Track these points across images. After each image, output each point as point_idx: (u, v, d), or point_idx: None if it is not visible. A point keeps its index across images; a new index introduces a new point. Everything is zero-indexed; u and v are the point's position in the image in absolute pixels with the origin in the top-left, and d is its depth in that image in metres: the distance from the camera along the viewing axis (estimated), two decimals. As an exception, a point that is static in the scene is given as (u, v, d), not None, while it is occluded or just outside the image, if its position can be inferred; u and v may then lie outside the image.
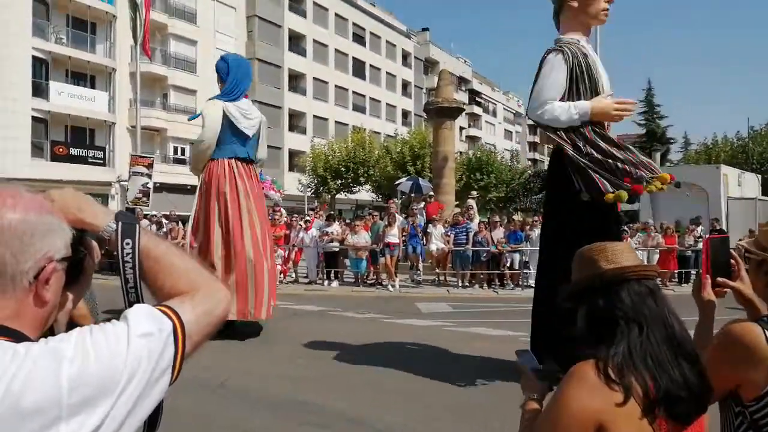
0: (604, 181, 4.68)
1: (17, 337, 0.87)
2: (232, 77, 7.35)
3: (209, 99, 7.47)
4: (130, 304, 0.99)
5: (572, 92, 4.99)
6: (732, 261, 1.72)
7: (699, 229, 14.42)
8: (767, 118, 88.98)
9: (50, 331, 0.97)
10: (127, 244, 1.02)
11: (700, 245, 14.00)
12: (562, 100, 4.97)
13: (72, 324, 1.03)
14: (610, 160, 4.78)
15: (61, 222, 0.97)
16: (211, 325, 1.02)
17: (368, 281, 13.70)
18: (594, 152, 4.83)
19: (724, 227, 15.14)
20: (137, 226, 1.04)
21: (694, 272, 13.97)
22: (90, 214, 1.04)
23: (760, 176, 22.50)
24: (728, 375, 1.47)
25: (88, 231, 1.03)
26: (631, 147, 5.13)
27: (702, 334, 1.68)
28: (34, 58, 27.30)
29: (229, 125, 7.16)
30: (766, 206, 17.85)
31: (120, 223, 1.03)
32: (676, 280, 14.00)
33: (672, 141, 46.91)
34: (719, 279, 1.71)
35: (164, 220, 15.83)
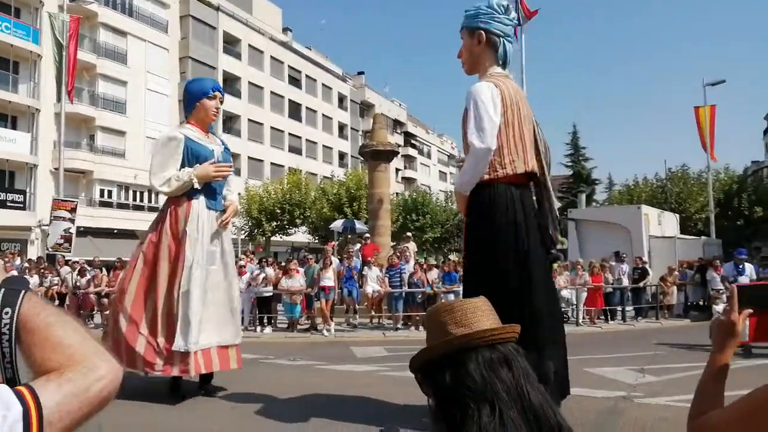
0: None
1: None
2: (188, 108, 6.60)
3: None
4: (6, 381, 0.89)
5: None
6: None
7: (624, 266, 14.97)
8: (683, 160, 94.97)
9: None
10: (6, 313, 0.92)
11: (625, 282, 14.59)
12: None
13: None
14: None
15: None
16: (84, 406, 0.90)
17: (302, 326, 13.43)
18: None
19: (647, 265, 15.76)
20: (22, 293, 0.94)
21: (620, 309, 14.47)
22: None
23: (677, 215, 23.73)
24: None
25: None
26: None
27: (712, 391, 1.40)
28: (-51, 97, 26.03)
29: None
30: (684, 244, 18.79)
31: (2, 290, 0.94)
32: (603, 318, 14.40)
33: (597, 182, 49.05)
34: None
35: (87, 267, 15.07)
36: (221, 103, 6.47)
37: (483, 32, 4.88)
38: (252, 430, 5.10)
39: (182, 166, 5.96)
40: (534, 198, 4.98)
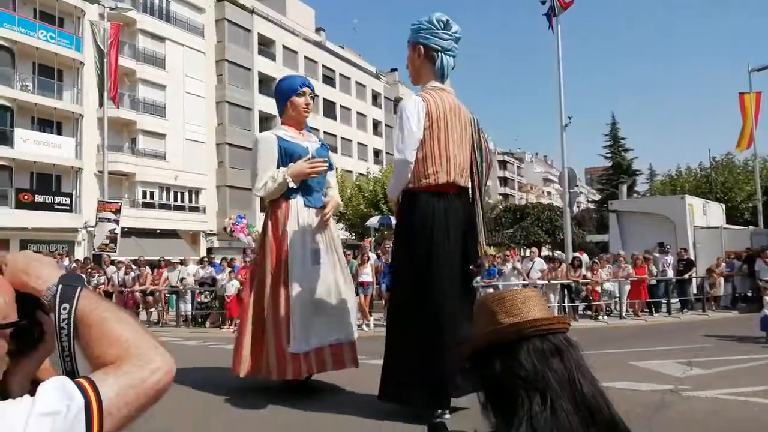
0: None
1: None
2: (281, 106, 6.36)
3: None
4: (66, 374, 0.93)
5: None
6: None
7: (668, 257, 14.61)
8: (727, 148, 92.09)
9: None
10: (64, 309, 0.96)
11: (670, 274, 14.24)
12: None
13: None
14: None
15: None
16: (141, 398, 0.92)
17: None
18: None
19: (692, 256, 15.36)
20: (78, 288, 0.98)
21: (665, 301, 14.14)
22: (33, 278, 0.99)
23: (723, 205, 23.04)
24: None
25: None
26: None
27: None
28: (-1, 105, 27.01)
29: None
30: (730, 234, 18.24)
31: (59, 287, 0.98)
32: (647, 310, 14.09)
33: (638, 173, 48.04)
34: None
35: (133, 266, 15.49)
36: (312, 99, 6.21)
37: (422, 47, 5.20)
38: (293, 423, 5.16)
39: (278, 167, 5.80)
40: (464, 209, 5.18)
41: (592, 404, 1.12)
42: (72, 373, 0.94)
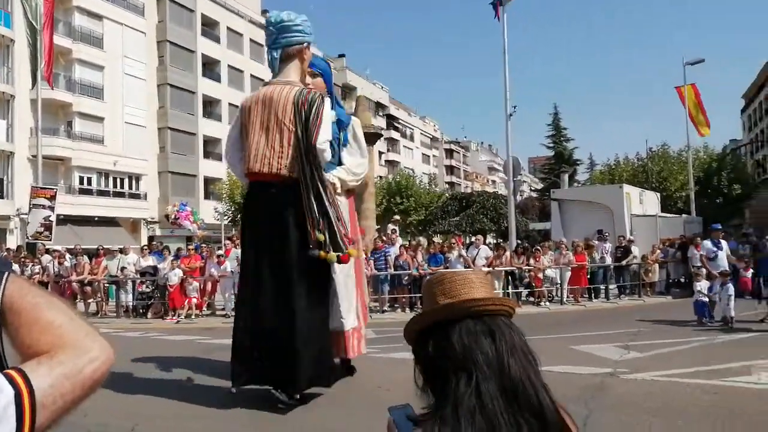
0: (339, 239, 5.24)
1: None
2: (330, 86, 6.31)
3: (350, 115, 6.20)
4: None
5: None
6: None
7: (607, 245, 15.11)
8: (663, 139, 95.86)
9: None
10: None
11: (608, 261, 14.73)
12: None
13: None
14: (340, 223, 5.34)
15: None
16: (77, 388, 0.87)
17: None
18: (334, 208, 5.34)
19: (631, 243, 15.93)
20: (6, 273, 0.91)
21: (603, 287, 14.64)
22: None
23: (658, 194, 23.96)
24: None
25: None
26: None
27: None
28: None
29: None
30: (665, 222, 19.01)
31: None
32: (587, 296, 14.56)
33: (579, 162, 49.47)
34: None
35: (68, 255, 14.87)
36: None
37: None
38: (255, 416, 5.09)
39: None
40: (283, 196, 5.30)
41: (519, 389, 1.10)
42: None
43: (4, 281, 0.90)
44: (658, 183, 32.86)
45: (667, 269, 16.05)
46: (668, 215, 22.46)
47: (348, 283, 5.88)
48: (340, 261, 5.23)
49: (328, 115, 5.44)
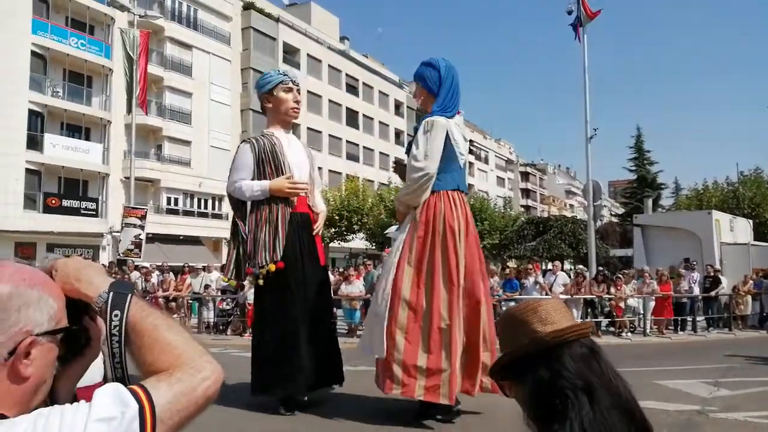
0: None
1: None
2: (446, 87, 5.73)
3: (427, 117, 5.70)
4: (116, 380, 0.95)
5: (259, 173, 6.07)
6: None
7: (694, 274, 14.35)
8: (756, 162, 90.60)
9: (50, 404, 0.93)
10: (116, 315, 0.98)
11: (696, 291, 13.97)
12: (253, 179, 6.07)
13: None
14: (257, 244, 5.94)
15: (43, 295, 0.95)
16: (191, 405, 0.94)
17: (361, 332, 13.48)
18: (251, 235, 6.01)
19: (719, 273, 15.07)
20: (129, 296, 1.00)
21: (690, 319, 13.88)
22: (85, 284, 1.01)
23: (751, 221, 22.60)
24: None
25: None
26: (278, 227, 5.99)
27: None
28: (30, 111, 27.56)
29: (449, 149, 5.63)
30: (758, 251, 17.87)
31: (111, 293, 1.00)
32: (672, 327, 13.85)
33: (663, 186, 47.39)
34: None
35: (156, 272, 15.66)
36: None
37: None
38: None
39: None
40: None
41: (630, 405, 1.19)
42: (122, 380, 0.96)
43: (128, 303, 0.99)
44: (750, 209, 31.02)
45: (761, 301, 15.05)
46: (762, 244, 21.10)
47: (376, 310, 5.69)
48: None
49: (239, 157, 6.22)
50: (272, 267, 5.77)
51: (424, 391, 5.18)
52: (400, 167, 6.31)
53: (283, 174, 6.02)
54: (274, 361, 5.68)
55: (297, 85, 6.41)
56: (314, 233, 6.23)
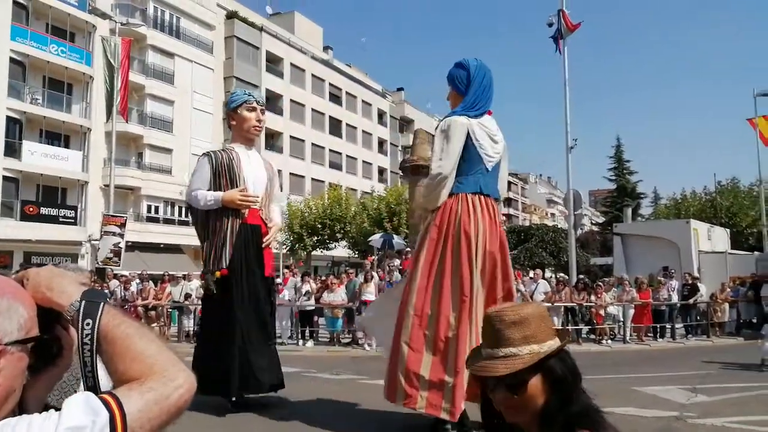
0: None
1: None
2: (475, 86, 5.39)
3: (448, 116, 5.42)
4: (87, 389, 0.94)
5: (216, 184, 6.33)
6: None
7: (673, 282, 14.52)
8: (732, 172, 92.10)
9: (19, 414, 0.91)
10: (87, 324, 0.97)
11: (675, 299, 14.13)
12: (210, 189, 6.33)
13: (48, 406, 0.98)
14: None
15: (13, 303, 0.93)
16: (163, 414, 0.93)
17: (343, 340, 13.45)
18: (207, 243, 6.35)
19: (697, 281, 15.27)
20: (101, 304, 0.99)
21: (669, 326, 14.03)
22: (57, 293, 1.00)
23: (728, 230, 22.96)
24: None
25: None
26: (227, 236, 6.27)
27: None
28: (8, 118, 27.19)
29: (471, 150, 5.24)
30: (735, 259, 18.16)
31: (83, 302, 0.99)
32: (651, 334, 13.98)
33: (642, 196, 47.98)
34: None
35: (136, 280, 15.47)
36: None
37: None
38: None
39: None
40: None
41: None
42: (93, 389, 0.95)
43: (100, 312, 0.98)
44: (727, 218, 31.50)
45: (737, 309, 15.27)
46: (739, 252, 21.46)
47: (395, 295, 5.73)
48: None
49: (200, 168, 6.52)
50: (218, 273, 6.13)
51: (426, 403, 4.80)
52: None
53: (237, 187, 6.30)
54: (208, 364, 5.81)
55: (262, 105, 6.76)
56: (264, 245, 6.44)
